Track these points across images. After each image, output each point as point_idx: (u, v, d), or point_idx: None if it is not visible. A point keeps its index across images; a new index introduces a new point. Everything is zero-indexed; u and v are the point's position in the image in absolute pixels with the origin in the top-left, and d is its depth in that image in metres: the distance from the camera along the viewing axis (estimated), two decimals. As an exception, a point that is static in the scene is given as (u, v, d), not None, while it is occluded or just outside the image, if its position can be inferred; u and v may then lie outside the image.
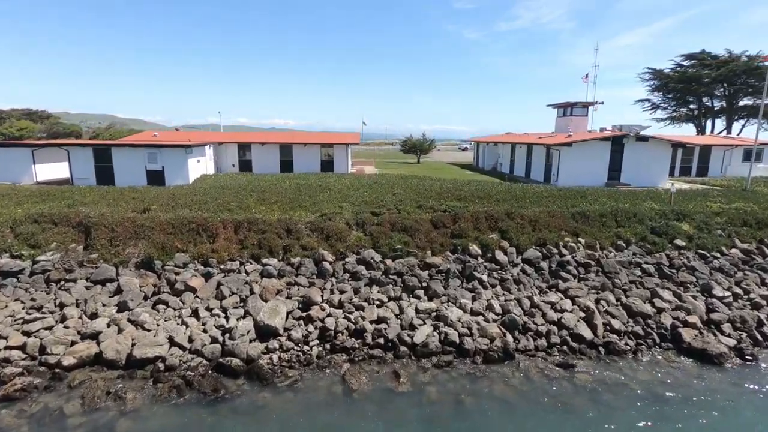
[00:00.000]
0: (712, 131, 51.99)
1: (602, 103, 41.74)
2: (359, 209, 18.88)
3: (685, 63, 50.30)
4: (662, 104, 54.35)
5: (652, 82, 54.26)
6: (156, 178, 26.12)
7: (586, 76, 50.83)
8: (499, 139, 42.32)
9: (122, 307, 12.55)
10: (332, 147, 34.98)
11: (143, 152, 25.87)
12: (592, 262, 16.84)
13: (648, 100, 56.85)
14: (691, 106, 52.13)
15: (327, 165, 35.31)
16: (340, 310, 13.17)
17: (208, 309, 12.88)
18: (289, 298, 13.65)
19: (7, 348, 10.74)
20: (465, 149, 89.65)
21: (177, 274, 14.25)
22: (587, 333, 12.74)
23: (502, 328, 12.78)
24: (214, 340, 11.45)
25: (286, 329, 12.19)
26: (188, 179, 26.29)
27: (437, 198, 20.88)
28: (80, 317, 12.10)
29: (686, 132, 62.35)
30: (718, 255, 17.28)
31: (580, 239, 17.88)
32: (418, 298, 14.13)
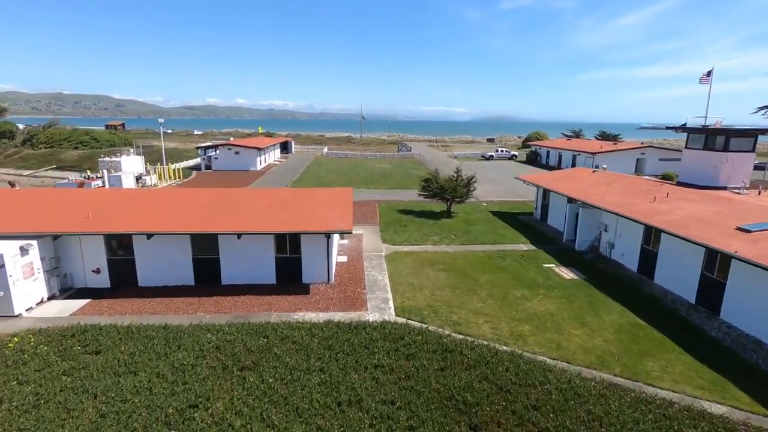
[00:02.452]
0: None
1: (786, 129, 24.00)
2: None
3: None
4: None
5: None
6: None
7: (708, 74, 32.71)
8: (592, 199, 24.62)
9: None
10: (299, 237, 17.47)
11: None
12: None
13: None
14: None
15: (290, 266, 17.87)
16: None
17: None
18: None
19: None
20: (490, 157, 71.76)
21: None
22: None
23: None
24: None
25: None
26: None
27: None
28: None
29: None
30: None
31: None
32: None
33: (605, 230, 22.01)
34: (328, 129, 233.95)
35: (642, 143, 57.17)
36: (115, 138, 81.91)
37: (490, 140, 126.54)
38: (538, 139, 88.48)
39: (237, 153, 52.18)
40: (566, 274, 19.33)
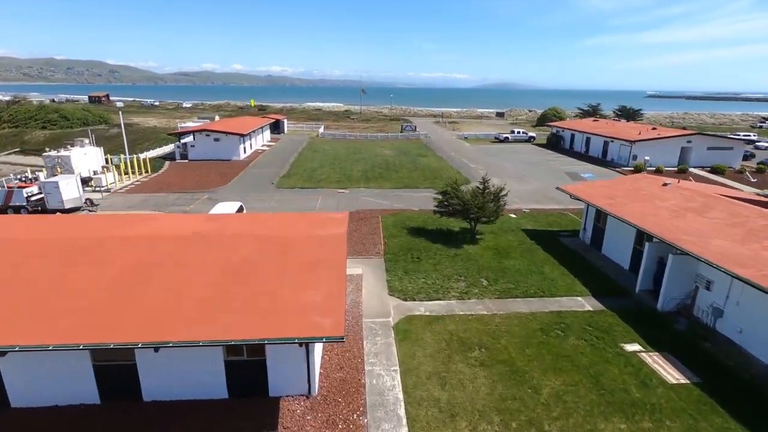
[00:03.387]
0: None
1: None
2: None
3: None
4: None
5: None
6: None
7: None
8: (686, 242, 18.01)
9: None
10: (263, 349, 10.99)
11: None
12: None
13: None
14: None
15: (249, 373, 11.49)
16: None
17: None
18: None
19: None
20: (505, 139, 64.40)
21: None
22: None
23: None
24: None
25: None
26: None
27: None
28: None
29: None
30: None
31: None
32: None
33: (707, 288, 15.50)
34: (327, 97, 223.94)
35: (685, 128, 50.09)
36: (89, 115, 73.98)
37: (500, 114, 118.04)
38: (555, 116, 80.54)
39: (217, 140, 44.94)
40: (667, 371, 12.93)
